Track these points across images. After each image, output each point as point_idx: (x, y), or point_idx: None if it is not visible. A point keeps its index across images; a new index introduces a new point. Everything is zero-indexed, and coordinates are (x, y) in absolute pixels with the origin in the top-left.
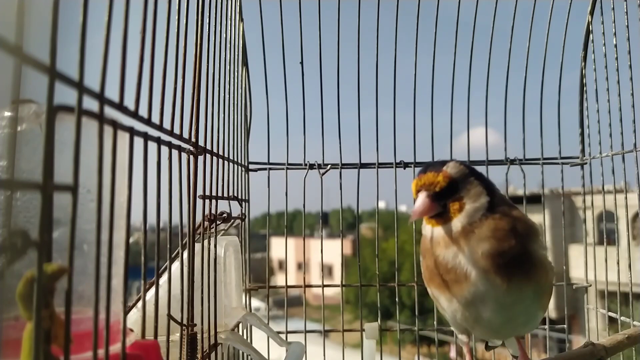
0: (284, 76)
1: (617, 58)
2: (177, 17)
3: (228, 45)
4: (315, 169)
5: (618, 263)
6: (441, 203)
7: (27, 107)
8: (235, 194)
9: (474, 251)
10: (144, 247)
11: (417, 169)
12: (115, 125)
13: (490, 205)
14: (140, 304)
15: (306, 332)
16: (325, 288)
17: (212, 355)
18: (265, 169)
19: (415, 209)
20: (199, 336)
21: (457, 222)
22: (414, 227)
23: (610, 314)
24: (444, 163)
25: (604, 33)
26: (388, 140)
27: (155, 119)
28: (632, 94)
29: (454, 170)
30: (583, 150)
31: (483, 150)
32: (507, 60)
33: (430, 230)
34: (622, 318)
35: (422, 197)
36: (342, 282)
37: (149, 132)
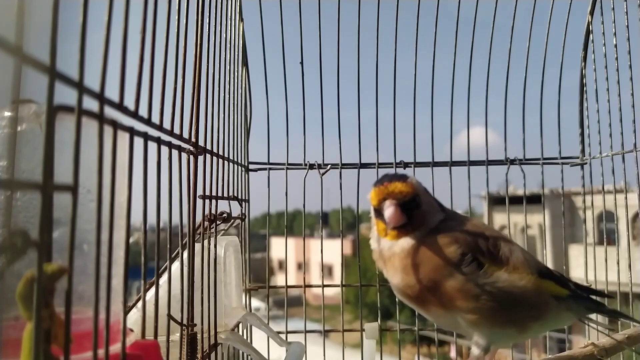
0: (284, 76)
1: (617, 58)
2: (177, 17)
3: (228, 45)
4: (315, 169)
5: (618, 263)
6: (406, 214)
7: (27, 107)
8: (235, 194)
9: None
10: (144, 247)
11: (417, 169)
12: (115, 125)
13: (442, 220)
14: (140, 304)
15: (306, 332)
16: (325, 288)
17: (212, 355)
18: (265, 169)
19: (391, 217)
20: (199, 336)
21: (418, 235)
22: None
23: None
24: (403, 175)
25: (604, 33)
26: (388, 140)
27: (155, 119)
28: (632, 94)
29: (416, 183)
30: (583, 151)
31: (483, 150)
32: (507, 60)
33: (387, 243)
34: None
35: (393, 206)
36: (342, 282)
37: (149, 132)
